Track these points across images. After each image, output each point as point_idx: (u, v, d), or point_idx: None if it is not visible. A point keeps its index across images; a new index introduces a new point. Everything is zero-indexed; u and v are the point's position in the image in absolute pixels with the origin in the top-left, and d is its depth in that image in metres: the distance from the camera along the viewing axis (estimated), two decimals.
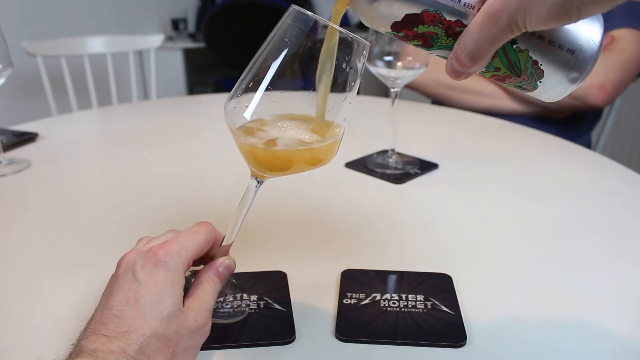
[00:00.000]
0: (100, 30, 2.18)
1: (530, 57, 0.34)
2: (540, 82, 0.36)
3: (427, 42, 0.35)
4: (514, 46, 0.34)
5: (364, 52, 0.37)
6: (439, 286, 0.49)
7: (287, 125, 0.39)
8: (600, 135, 1.39)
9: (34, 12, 2.18)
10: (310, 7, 3.34)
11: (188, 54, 2.97)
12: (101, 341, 0.34)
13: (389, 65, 0.73)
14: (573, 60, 0.34)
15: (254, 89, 0.37)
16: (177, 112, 1.21)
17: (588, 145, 1.27)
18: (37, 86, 1.79)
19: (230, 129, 0.39)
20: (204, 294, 0.40)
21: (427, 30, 0.34)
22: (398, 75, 0.73)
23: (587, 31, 0.34)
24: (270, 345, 0.42)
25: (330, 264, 0.53)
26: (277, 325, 0.44)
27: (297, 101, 0.39)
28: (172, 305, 0.37)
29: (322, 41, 0.36)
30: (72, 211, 0.67)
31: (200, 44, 2.85)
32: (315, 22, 0.35)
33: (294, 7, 0.36)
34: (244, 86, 0.37)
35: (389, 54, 0.73)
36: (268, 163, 0.39)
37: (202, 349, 0.41)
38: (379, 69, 0.74)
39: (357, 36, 0.36)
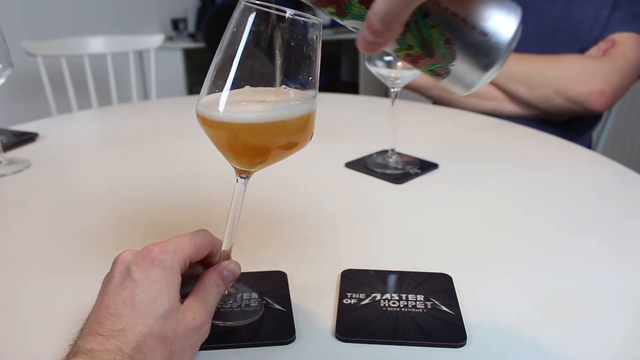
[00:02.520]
0: (100, 30, 2.18)
1: (442, 35, 0.34)
2: (453, 65, 0.35)
3: (341, 9, 0.34)
4: (426, 20, 0.33)
5: (314, 28, 0.38)
6: (439, 286, 0.49)
7: (254, 100, 0.39)
8: (600, 135, 1.39)
9: (34, 12, 2.18)
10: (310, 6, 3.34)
11: (188, 54, 2.97)
12: (97, 340, 0.34)
13: (389, 65, 0.73)
14: (486, 43, 0.33)
15: (218, 85, 0.38)
16: (177, 112, 1.21)
17: (588, 146, 1.27)
18: (37, 86, 1.79)
19: (202, 123, 0.40)
20: (205, 294, 0.40)
21: None
22: (398, 75, 0.73)
23: (501, 17, 0.34)
24: (270, 345, 0.42)
25: (330, 264, 0.53)
26: (277, 325, 0.44)
27: (263, 93, 0.40)
28: (167, 303, 0.37)
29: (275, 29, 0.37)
30: (71, 211, 0.67)
31: (200, 44, 2.85)
32: (262, 12, 0.36)
33: (242, 2, 0.37)
34: (208, 84, 0.39)
35: (389, 54, 0.73)
36: (243, 143, 0.39)
37: (202, 349, 0.41)
38: (379, 69, 0.74)
39: (301, 13, 0.37)
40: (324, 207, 0.68)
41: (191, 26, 3.17)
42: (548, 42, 1.14)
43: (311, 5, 0.36)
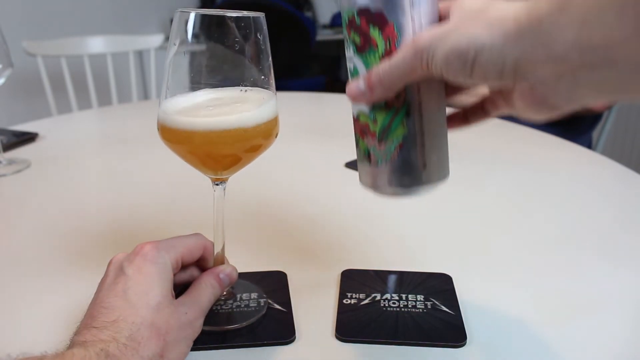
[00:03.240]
0: (100, 30, 2.18)
1: (401, 139, 0.37)
2: (384, 163, 0.38)
3: (363, 47, 0.36)
4: (404, 117, 0.36)
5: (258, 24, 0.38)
6: (439, 286, 0.49)
7: (210, 105, 0.40)
8: (600, 135, 1.39)
9: (34, 12, 2.18)
10: (310, 6, 3.34)
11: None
12: (91, 333, 0.34)
13: None
14: (420, 171, 0.38)
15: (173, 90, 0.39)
16: None
17: (589, 146, 1.26)
18: (37, 86, 1.79)
19: (164, 137, 0.40)
20: (199, 292, 0.40)
21: (376, 37, 0.35)
22: None
23: (445, 165, 0.39)
24: (270, 345, 0.42)
25: (330, 264, 0.53)
26: (277, 325, 0.44)
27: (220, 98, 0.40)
28: (160, 295, 0.37)
29: (221, 32, 0.37)
30: (71, 211, 0.67)
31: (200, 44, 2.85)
32: (200, 15, 0.37)
33: (177, 11, 0.38)
34: (166, 92, 0.39)
35: None
36: (205, 146, 0.39)
37: (202, 349, 0.41)
38: None
39: (244, 13, 0.37)
40: (324, 207, 0.68)
41: None
42: None
43: (345, 20, 0.37)
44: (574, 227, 0.62)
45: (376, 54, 0.35)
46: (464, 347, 0.42)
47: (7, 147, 0.90)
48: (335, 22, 3.42)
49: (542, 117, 0.32)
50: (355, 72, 0.37)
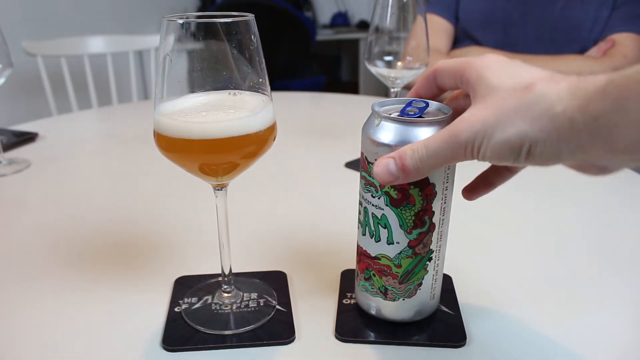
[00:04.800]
0: (100, 30, 2.18)
1: (421, 279, 0.41)
2: (402, 300, 0.41)
3: (401, 202, 0.38)
4: (426, 262, 0.40)
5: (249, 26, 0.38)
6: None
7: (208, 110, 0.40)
8: None
9: (34, 12, 2.18)
10: (310, 6, 3.34)
11: (188, 53, 2.97)
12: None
13: (389, 65, 0.73)
14: (429, 302, 0.42)
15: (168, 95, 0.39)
16: None
17: None
18: (37, 86, 1.79)
19: (160, 145, 0.40)
20: None
21: (415, 195, 0.37)
22: (398, 75, 0.73)
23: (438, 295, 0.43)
24: (270, 345, 0.42)
25: (330, 264, 0.53)
26: (278, 325, 0.44)
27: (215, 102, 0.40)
28: None
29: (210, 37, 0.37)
30: (71, 211, 0.67)
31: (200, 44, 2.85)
32: (190, 24, 0.37)
33: (163, 18, 0.38)
34: (159, 99, 0.39)
35: (389, 54, 0.73)
36: (202, 153, 0.39)
37: (202, 349, 0.41)
38: (379, 69, 0.74)
39: (234, 17, 0.37)
40: (324, 207, 0.68)
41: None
42: (548, 42, 1.14)
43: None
44: (574, 227, 0.62)
45: (412, 209, 0.38)
46: (464, 347, 0.42)
47: (7, 147, 0.90)
48: (335, 22, 3.42)
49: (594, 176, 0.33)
50: (383, 220, 0.39)
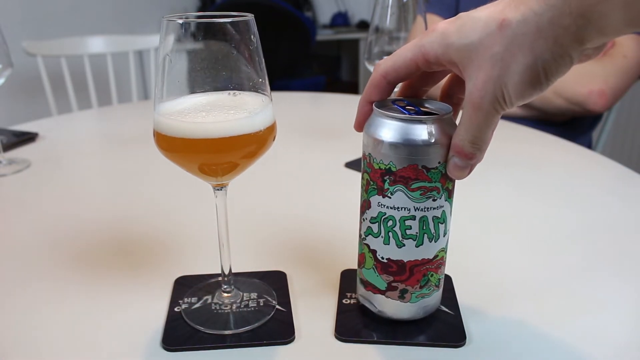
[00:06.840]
0: (100, 30, 2.18)
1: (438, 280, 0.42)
2: (425, 296, 0.42)
3: (452, 192, 0.40)
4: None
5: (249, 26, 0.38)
6: None
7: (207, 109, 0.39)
8: (600, 135, 1.39)
9: (34, 12, 2.18)
10: (310, 6, 3.34)
11: (188, 54, 2.96)
12: None
13: None
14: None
15: (170, 97, 0.39)
16: None
17: (589, 145, 1.26)
18: (37, 86, 1.79)
19: (160, 145, 0.40)
20: None
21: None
22: None
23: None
24: (270, 345, 0.42)
25: (330, 264, 0.53)
26: (277, 325, 0.44)
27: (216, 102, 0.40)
28: None
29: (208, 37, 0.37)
30: (71, 211, 0.67)
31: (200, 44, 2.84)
32: (190, 24, 0.37)
33: (163, 18, 0.38)
34: (159, 99, 0.39)
35: (389, 54, 0.73)
36: (204, 151, 0.39)
37: (202, 349, 0.41)
38: None
39: (234, 17, 0.37)
40: (324, 207, 0.68)
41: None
42: None
43: (441, 171, 0.38)
44: (574, 227, 0.62)
45: (452, 197, 0.40)
46: (463, 347, 0.42)
47: (7, 147, 0.90)
48: (334, 22, 3.42)
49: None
50: (443, 216, 0.39)
